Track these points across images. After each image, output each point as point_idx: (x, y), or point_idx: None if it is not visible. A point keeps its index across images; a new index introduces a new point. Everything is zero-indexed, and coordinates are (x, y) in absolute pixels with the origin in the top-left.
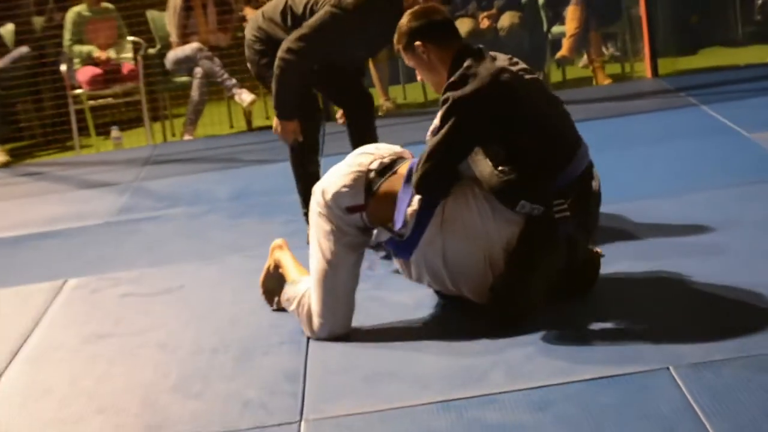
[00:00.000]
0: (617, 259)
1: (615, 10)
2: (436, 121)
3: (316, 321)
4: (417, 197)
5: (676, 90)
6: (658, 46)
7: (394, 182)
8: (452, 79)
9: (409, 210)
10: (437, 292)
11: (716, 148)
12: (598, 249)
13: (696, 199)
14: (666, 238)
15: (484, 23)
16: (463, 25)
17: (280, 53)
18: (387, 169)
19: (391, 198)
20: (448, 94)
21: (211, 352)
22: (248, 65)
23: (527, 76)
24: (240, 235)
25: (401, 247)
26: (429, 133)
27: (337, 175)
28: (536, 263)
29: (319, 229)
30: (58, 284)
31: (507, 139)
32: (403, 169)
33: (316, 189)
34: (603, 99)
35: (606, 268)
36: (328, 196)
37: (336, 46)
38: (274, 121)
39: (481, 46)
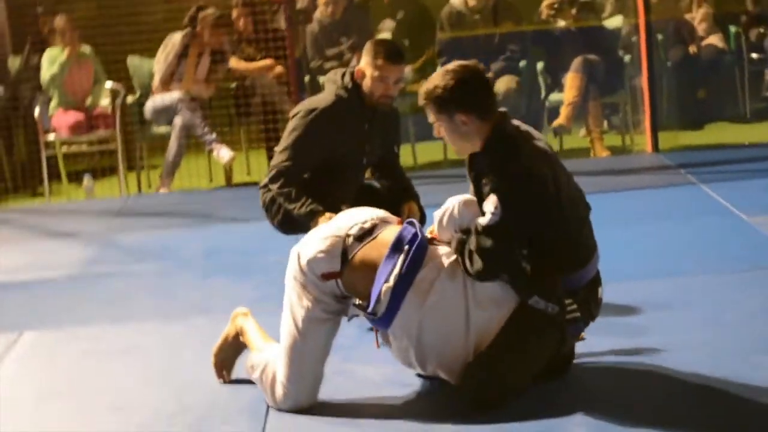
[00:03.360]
0: (601, 343)
1: (616, 80)
2: (490, 208)
3: (279, 390)
4: (394, 274)
5: (676, 167)
6: (660, 119)
7: (372, 250)
8: (499, 164)
9: (384, 287)
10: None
11: (713, 230)
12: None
13: (688, 284)
14: (654, 323)
15: None
16: None
17: (271, 175)
18: (366, 234)
19: (368, 267)
20: (499, 176)
21: (168, 418)
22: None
23: (562, 177)
24: (208, 296)
25: (378, 322)
26: (482, 217)
27: (314, 240)
28: (526, 350)
29: (293, 294)
30: (13, 337)
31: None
32: (386, 235)
33: (293, 253)
34: (599, 172)
35: (589, 351)
36: (304, 262)
37: (313, 141)
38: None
39: (517, 122)
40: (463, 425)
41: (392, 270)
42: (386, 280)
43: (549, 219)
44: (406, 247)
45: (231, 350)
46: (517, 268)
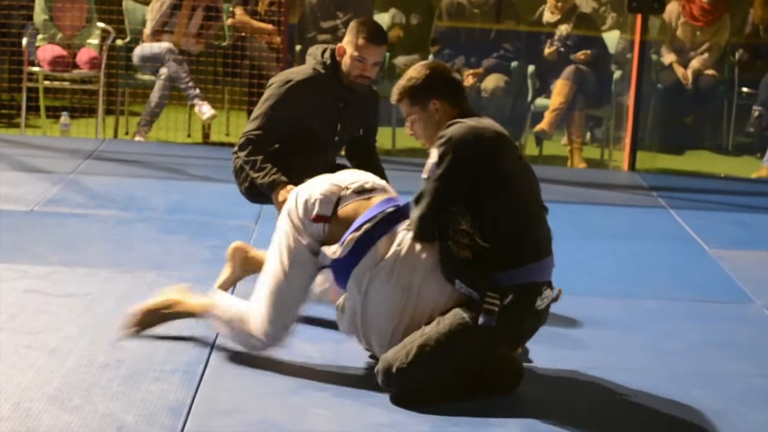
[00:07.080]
0: (540, 351)
1: (604, 94)
2: (433, 158)
3: (263, 325)
4: (366, 226)
5: (648, 188)
6: (643, 139)
7: (361, 206)
8: (456, 120)
9: (352, 234)
10: None
11: (672, 256)
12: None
13: (637, 306)
14: (596, 341)
15: (468, 81)
16: None
17: (241, 142)
18: (364, 192)
19: (352, 220)
20: (448, 131)
21: (101, 367)
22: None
23: (524, 162)
24: (163, 251)
25: (337, 270)
26: (424, 172)
27: (315, 184)
28: (443, 347)
29: (283, 235)
30: None
31: (476, 205)
32: (376, 198)
33: (292, 194)
34: (573, 183)
35: (525, 357)
36: (301, 200)
37: (285, 111)
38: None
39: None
40: (389, 411)
41: (366, 221)
42: (357, 229)
43: (486, 190)
44: (391, 207)
45: (155, 320)
46: (443, 238)
